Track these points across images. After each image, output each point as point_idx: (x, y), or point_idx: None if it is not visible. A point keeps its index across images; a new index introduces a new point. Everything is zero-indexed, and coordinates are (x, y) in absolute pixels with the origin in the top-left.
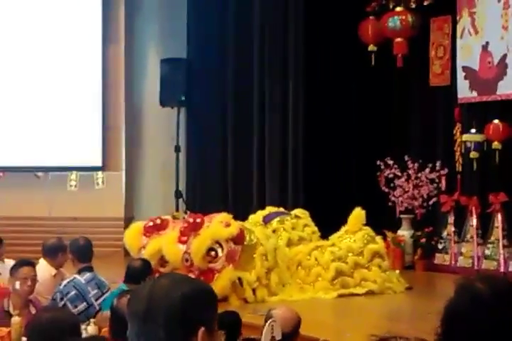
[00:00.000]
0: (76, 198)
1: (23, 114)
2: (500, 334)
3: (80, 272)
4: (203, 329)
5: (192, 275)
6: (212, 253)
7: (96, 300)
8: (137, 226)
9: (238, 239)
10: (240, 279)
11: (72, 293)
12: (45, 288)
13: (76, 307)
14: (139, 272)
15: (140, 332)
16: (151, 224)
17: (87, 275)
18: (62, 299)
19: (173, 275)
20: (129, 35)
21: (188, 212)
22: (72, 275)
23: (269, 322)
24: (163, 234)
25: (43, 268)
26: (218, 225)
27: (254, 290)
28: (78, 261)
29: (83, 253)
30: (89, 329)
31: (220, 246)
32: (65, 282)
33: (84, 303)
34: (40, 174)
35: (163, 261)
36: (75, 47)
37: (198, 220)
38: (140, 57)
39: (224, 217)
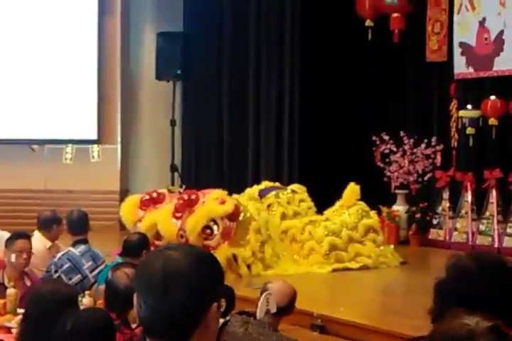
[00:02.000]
0: (71, 171)
1: (19, 86)
2: (489, 308)
3: (74, 244)
4: (215, 304)
5: None
6: (208, 230)
7: (91, 272)
8: (133, 199)
9: (233, 215)
10: (234, 256)
11: (67, 265)
12: (40, 261)
13: (71, 279)
14: (136, 246)
15: (155, 306)
16: (147, 197)
17: (82, 247)
18: (56, 271)
19: (182, 247)
20: (125, 8)
21: (184, 186)
22: (67, 247)
23: (264, 295)
24: (159, 208)
25: (38, 241)
26: (213, 202)
27: (248, 266)
28: (73, 233)
29: (78, 226)
30: (84, 301)
31: (216, 223)
32: (59, 254)
33: (79, 275)
34: (35, 147)
35: (158, 235)
36: (70, 20)
37: (193, 197)
38: (136, 30)
39: (219, 193)
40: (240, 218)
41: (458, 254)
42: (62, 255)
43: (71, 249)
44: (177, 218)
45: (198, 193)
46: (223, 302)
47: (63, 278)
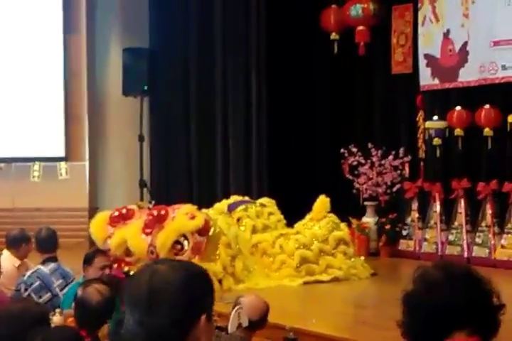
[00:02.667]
0: (39, 189)
1: None
2: (457, 318)
3: (43, 262)
4: (204, 316)
5: None
6: (178, 246)
7: (61, 290)
8: (103, 216)
9: (203, 230)
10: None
11: (37, 283)
12: (9, 279)
13: (41, 297)
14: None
15: (142, 320)
16: (116, 213)
17: (51, 265)
18: (26, 290)
19: (170, 261)
20: (91, 24)
21: (153, 202)
22: (36, 265)
23: (235, 309)
24: (129, 224)
25: (7, 259)
26: (183, 218)
27: (220, 281)
28: (42, 251)
29: (47, 244)
30: (54, 319)
31: (186, 238)
32: (28, 273)
33: (49, 293)
34: (2, 165)
35: (129, 251)
36: (35, 37)
37: (163, 212)
38: (102, 47)
39: (188, 208)
40: (210, 233)
41: (424, 265)
42: (32, 273)
43: (40, 267)
44: (147, 234)
45: (168, 208)
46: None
47: (33, 297)
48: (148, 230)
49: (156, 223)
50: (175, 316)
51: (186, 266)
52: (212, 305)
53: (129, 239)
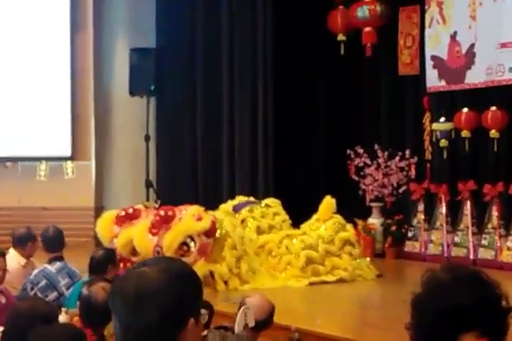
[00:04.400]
0: (46, 188)
1: None
2: (466, 320)
3: (50, 262)
4: (192, 320)
5: None
6: (185, 247)
7: (67, 289)
8: (109, 215)
9: (210, 232)
10: (211, 272)
11: (43, 282)
12: (15, 278)
13: (47, 296)
14: (101, 262)
15: (129, 325)
16: (123, 213)
17: (58, 264)
18: (32, 289)
19: (158, 263)
20: (98, 24)
21: (159, 202)
22: (42, 264)
23: (242, 309)
24: (135, 224)
25: (13, 258)
26: (190, 219)
27: (225, 282)
28: (48, 250)
29: (53, 243)
30: (60, 318)
31: (192, 240)
32: (35, 272)
33: (55, 293)
34: (9, 164)
35: (135, 251)
36: (43, 36)
37: (170, 213)
38: (109, 47)
39: (196, 209)
40: (217, 235)
41: (433, 268)
42: (38, 272)
43: (47, 266)
44: (153, 234)
45: (175, 209)
46: (205, 315)
47: (39, 296)
48: (154, 230)
49: (163, 223)
50: (162, 320)
51: (174, 268)
52: (200, 307)
53: (136, 238)
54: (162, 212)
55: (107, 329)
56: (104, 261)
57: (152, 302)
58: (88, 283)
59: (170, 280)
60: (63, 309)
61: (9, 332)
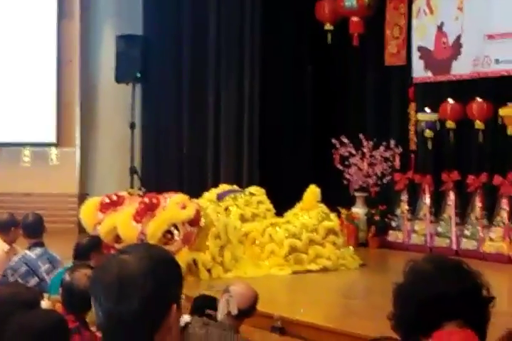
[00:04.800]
0: (29, 174)
1: None
2: (448, 310)
3: (30, 248)
4: (175, 306)
5: None
6: (169, 235)
7: (47, 274)
8: (93, 202)
9: (194, 221)
10: (194, 260)
11: (23, 268)
12: None
13: (28, 282)
14: (86, 248)
15: (112, 312)
16: (107, 200)
17: (38, 250)
18: (13, 275)
19: (138, 250)
20: (85, 11)
21: (143, 189)
22: (24, 250)
23: (224, 297)
24: (119, 211)
25: None
26: (175, 207)
27: (209, 270)
28: (28, 236)
29: (33, 229)
30: (43, 304)
31: (176, 228)
32: (15, 258)
33: (36, 278)
34: None
35: (118, 238)
36: (29, 23)
37: (154, 201)
38: (96, 33)
39: (180, 198)
40: (201, 224)
41: (415, 258)
42: (18, 259)
43: (27, 252)
44: (137, 221)
45: (159, 197)
46: (182, 301)
47: (20, 282)
48: (139, 218)
49: (147, 211)
50: (145, 306)
51: (155, 254)
52: (181, 293)
53: (120, 225)
54: (147, 200)
55: (89, 316)
56: (88, 248)
57: (134, 288)
58: (70, 270)
59: (151, 267)
60: (46, 295)
61: None
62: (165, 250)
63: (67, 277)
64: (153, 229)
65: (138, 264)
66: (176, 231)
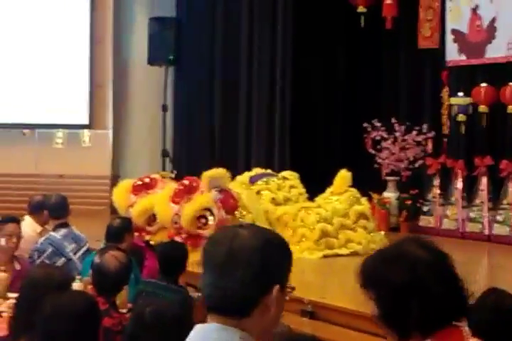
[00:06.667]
0: (62, 156)
1: (11, 71)
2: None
3: (55, 228)
4: (277, 287)
5: (179, 238)
6: (203, 220)
7: (74, 254)
8: (126, 184)
9: (230, 209)
10: None
11: (49, 250)
12: (30, 245)
13: (55, 263)
14: (118, 230)
15: (216, 281)
16: (139, 182)
17: (63, 230)
18: (39, 257)
19: (254, 227)
20: None
21: (175, 172)
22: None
23: None
24: (151, 193)
25: (28, 225)
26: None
27: None
28: (53, 217)
29: (57, 210)
30: (75, 286)
31: (212, 214)
32: (41, 240)
33: (63, 258)
34: (26, 131)
35: (151, 220)
36: (62, 5)
37: (194, 184)
38: (128, 16)
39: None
40: (237, 215)
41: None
42: (44, 240)
43: (52, 233)
44: (175, 203)
45: (199, 181)
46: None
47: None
48: (177, 199)
49: (185, 193)
50: (246, 281)
51: (269, 234)
52: (287, 277)
53: (157, 205)
54: (187, 182)
55: (118, 298)
56: (121, 230)
57: (241, 260)
58: (100, 252)
59: (261, 243)
60: (77, 277)
61: (24, 298)
62: (280, 235)
63: (97, 259)
64: (188, 212)
65: (250, 239)
66: (210, 217)
